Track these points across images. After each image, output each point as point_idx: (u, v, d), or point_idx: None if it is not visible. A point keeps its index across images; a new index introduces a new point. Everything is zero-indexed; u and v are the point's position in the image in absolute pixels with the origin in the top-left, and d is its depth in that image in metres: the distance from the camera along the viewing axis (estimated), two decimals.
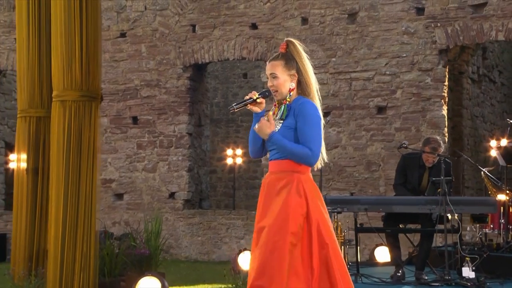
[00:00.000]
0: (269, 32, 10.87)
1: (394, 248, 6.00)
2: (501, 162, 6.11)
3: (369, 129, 10.20)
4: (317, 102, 3.45)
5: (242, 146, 13.59)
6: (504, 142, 11.49)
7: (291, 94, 3.41)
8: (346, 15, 10.43)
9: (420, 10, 9.98)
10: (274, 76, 3.41)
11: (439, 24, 9.83)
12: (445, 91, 9.93)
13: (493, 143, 11.51)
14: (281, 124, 3.37)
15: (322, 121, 3.46)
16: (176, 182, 11.37)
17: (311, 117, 3.31)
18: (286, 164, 3.31)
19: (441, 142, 6.26)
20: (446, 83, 9.96)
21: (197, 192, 11.69)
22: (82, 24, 4.88)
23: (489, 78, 13.12)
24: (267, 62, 3.47)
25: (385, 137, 10.11)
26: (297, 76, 3.42)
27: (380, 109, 10.17)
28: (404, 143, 6.14)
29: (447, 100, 10.00)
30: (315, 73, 11.48)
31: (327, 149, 11.46)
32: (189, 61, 11.36)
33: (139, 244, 5.57)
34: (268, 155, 3.49)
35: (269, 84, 3.44)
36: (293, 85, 3.41)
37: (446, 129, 9.87)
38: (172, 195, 11.40)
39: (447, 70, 9.99)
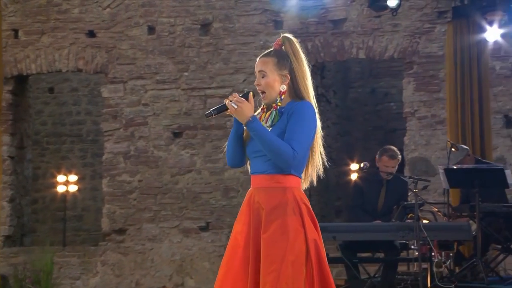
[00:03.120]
0: (110, 41, 10.44)
1: (356, 280, 5.98)
2: (445, 185, 6.40)
3: None
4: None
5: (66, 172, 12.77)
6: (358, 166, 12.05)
7: (282, 98, 3.24)
8: (199, 26, 10.37)
9: (278, 24, 10.24)
10: (263, 75, 3.27)
11: (298, 39, 10.07)
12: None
13: (354, 166, 12.11)
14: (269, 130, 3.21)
15: (320, 131, 3.31)
16: None
17: (305, 117, 3.15)
18: (274, 179, 3.16)
19: (399, 153, 6.42)
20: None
21: (18, 226, 10.77)
22: None
23: (326, 98, 13.76)
24: (258, 58, 3.34)
25: None
26: (289, 77, 3.25)
27: None
28: (366, 165, 6.19)
29: None
30: (165, 89, 11.07)
31: (179, 174, 11.03)
32: (11, 72, 10.53)
33: (26, 285, 4.95)
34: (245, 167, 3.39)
35: (256, 82, 3.32)
36: (284, 87, 3.24)
37: None
38: None
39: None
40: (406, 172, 9.95)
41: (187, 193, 10.22)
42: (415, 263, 6.42)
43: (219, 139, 10.21)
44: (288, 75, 3.24)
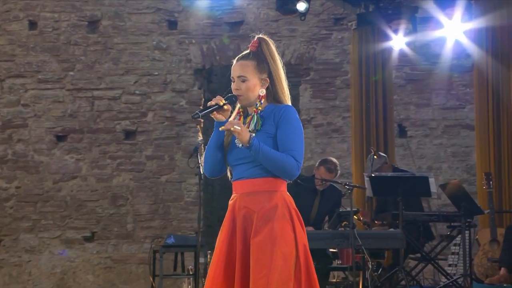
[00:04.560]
0: None
1: None
2: (369, 193, 6.36)
3: (116, 156, 9.79)
4: None
5: None
6: None
7: (261, 102, 3.24)
8: (86, 23, 9.94)
9: (172, 24, 9.98)
10: (243, 79, 3.22)
11: (194, 41, 9.92)
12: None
13: None
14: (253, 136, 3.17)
15: None
16: None
17: (296, 124, 3.18)
18: (262, 183, 3.14)
19: (338, 166, 6.35)
20: (202, 106, 10.08)
21: None
22: None
23: None
24: (234, 61, 3.30)
25: (135, 166, 9.80)
26: (268, 81, 3.25)
27: (129, 134, 9.86)
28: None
29: (202, 125, 10.11)
30: (47, 89, 10.55)
31: (63, 180, 10.55)
32: None
33: None
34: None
35: (234, 87, 3.24)
36: (264, 91, 3.23)
37: (202, 158, 9.93)
38: None
39: (203, 92, 10.14)
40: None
41: (71, 201, 9.71)
42: (335, 273, 6.37)
43: (107, 144, 9.79)
44: (268, 79, 3.23)
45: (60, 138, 9.79)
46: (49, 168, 9.74)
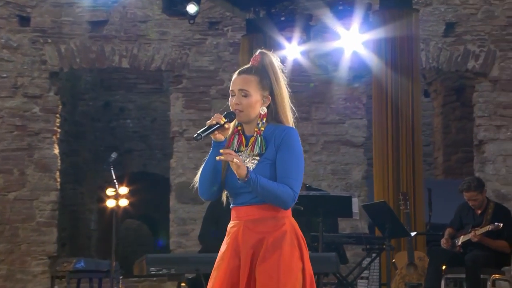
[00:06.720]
0: None
1: None
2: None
3: None
4: None
5: None
6: (124, 189, 11.12)
7: (263, 121, 3.10)
8: None
9: (24, 20, 9.08)
10: (245, 94, 3.08)
11: (49, 40, 9.02)
12: (58, 124, 9.14)
13: (110, 191, 11.05)
14: (257, 160, 3.06)
15: None
16: None
17: (297, 149, 3.07)
18: (268, 209, 3.05)
19: None
20: (59, 114, 9.19)
21: None
22: None
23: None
24: (235, 74, 3.13)
25: None
26: (270, 99, 3.11)
27: None
28: None
29: (58, 136, 9.20)
30: None
31: None
32: None
33: None
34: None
35: (234, 101, 3.09)
36: (265, 109, 3.10)
37: (58, 173, 9.04)
38: None
39: (59, 98, 9.26)
40: (173, 199, 9.33)
41: None
42: None
43: None
44: (269, 97, 3.10)
45: None
46: None
